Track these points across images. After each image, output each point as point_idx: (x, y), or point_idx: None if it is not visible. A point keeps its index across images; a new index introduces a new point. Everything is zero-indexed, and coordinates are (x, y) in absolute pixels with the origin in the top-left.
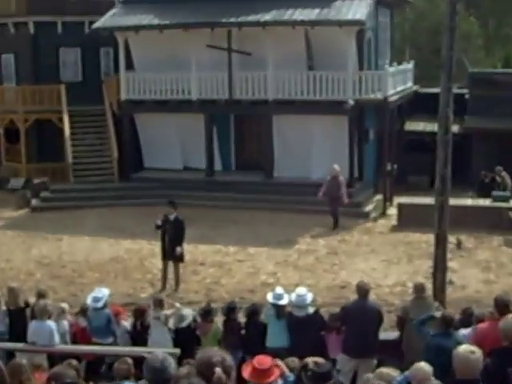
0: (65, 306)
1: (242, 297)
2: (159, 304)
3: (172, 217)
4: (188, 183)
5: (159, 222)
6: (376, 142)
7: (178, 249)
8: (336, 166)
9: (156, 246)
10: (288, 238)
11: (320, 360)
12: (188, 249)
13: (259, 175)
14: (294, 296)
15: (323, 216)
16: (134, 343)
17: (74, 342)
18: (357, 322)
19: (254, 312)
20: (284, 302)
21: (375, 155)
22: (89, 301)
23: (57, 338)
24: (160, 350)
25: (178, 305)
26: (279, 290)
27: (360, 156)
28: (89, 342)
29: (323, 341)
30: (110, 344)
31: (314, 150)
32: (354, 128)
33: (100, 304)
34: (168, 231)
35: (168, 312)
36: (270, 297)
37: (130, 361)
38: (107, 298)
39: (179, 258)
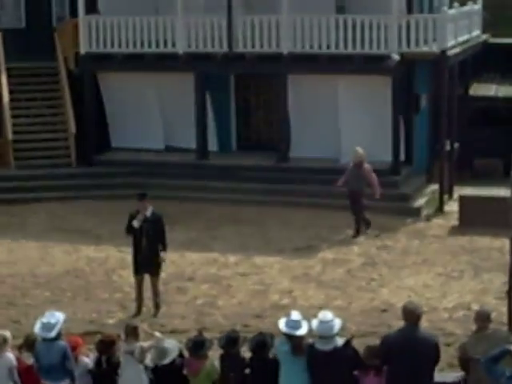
0: (8, 334)
1: (246, 324)
2: (133, 333)
3: (148, 213)
4: (172, 169)
5: (136, 223)
6: (430, 113)
7: (163, 255)
8: (360, 150)
9: (128, 254)
10: (308, 243)
11: None
12: (171, 258)
13: (269, 158)
14: (316, 323)
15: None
16: None
17: None
18: (404, 359)
19: (261, 345)
20: (302, 331)
21: (429, 130)
22: (37, 329)
23: None
24: None
25: (157, 334)
26: (296, 315)
27: (408, 132)
28: None
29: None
30: None
31: (344, 124)
32: (399, 93)
33: (52, 333)
34: (145, 233)
35: (145, 344)
36: (283, 325)
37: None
38: (62, 325)
39: (159, 270)
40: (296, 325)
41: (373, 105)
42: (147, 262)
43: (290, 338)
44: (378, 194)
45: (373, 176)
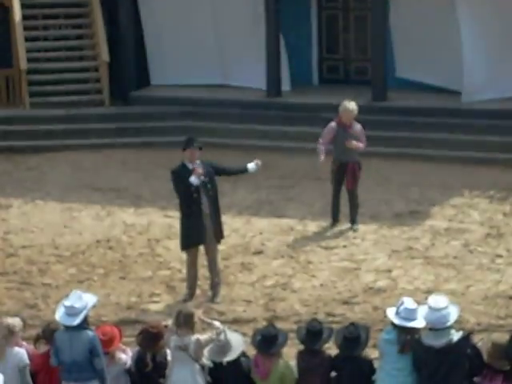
0: (16, 322)
1: (331, 312)
2: (187, 323)
3: (197, 165)
4: (233, 109)
5: (195, 180)
6: None
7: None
8: (350, 103)
9: (177, 220)
10: (412, 207)
11: None
12: (234, 225)
13: (362, 95)
14: (425, 311)
15: (479, 167)
16: None
17: None
18: None
19: (353, 340)
20: (420, 323)
21: None
22: (58, 314)
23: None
24: None
25: (217, 324)
26: (410, 302)
27: None
28: None
29: None
30: None
31: (465, 44)
32: None
33: (77, 320)
34: (204, 191)
35: (202, 337)
36: (392, 313)
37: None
38: (90, 310)
39: (221, 234)
40: (411, 315)
41: (503, 19)
42: (213, 226)
43: (402, 330)
44: (356, 144)
45: (364, 139)
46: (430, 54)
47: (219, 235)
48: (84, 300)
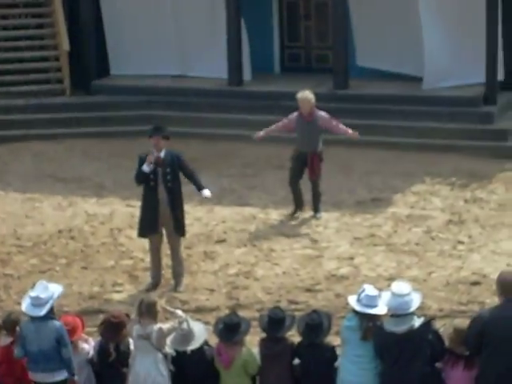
0: None
1: (293, 300)
2: (149, 312)
3: (162, 154)
4: (195, 98)
5: (147, 167)
6: None
7: (206, 192)
8: (306, 92)
9: (139, 210)
10: (375, 194)
11: None
12: (196, 214)
13: (325, 83)
14: (387, 297)
15: (440, 154)
16: (101, 381)
17: None
18: (503, 346)
19: (315, 327)
20: (381, 310)
21: None
22: (24, 305)
23: None
24: None
25: (180, 313)
26: (371, 289)
27: (509, 43)
28: (19, 380)
29: (439, 378)
30: (62, 382)
31: (425, 31)
32: None
33: (44, 311)
34: (161, 180)
35: (164, 326)
36: (353, 300)
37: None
38: (56, 300)
39: (183, 228)
40: (372, 301)
41: (463, 6)
42: (172, 218)
43: (363, 317)
44: (353, 133)
45: (335, 122)
46: (391, 42)
47: (179, 230)
48: (50, 290)
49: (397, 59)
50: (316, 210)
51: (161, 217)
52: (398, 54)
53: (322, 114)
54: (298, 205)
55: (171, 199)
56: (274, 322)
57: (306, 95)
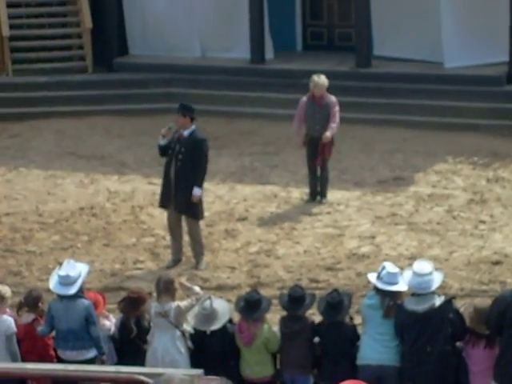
0: (4, 289)
1: (314, 278)
2: (167, 289)
3: (186, 133)
4: (215, 75)
5: (162, 140)
6: None
7: (196, 191)
8: (319, 78)
9: (159, 187)
10: (396, 173)
11: None
12: (218, 192)
13: (347, 61)
14: (409, 276)
15: (462, 133)
16: (122, 357)
17: None
18: None
19: (336, 306)
20: (402, 287)
21: None
22: (52, 284)
23: None
24: (170, 370)
25: (197, 289)
26: (391, 266)
27: None
28: (42, 357)
29: (460, 358)
30: (91, 361)
31: (446, 15)
32: None
33: (73, 289)
34: (175, 159)
35: (182, 304)
36: (374, 277)
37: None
38: (84, 278)
39: (195, 211)
40: (393, 279)
41: None
42: (175, 198)
43: (384, 294)
44: (329, 137)
45: (336, 112)
46: (408, 30)
47: (188, 211)
48: (78, 269)
49: (415, 46)
50: (323, 194)
51: (171, 193)
52: (416, 41)
53: (333, 98)
54: (314, 193)
55: (178, 178)
56: (294, 301)
57: (322, 79)
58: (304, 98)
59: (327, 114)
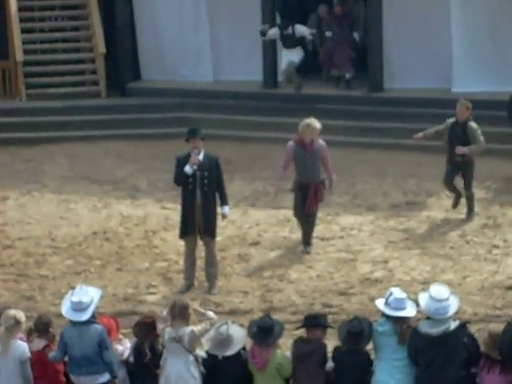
0: (19, 314)
1: (327, 303)
2: (182, 314)
3: (200, 157)
4: (228, 100)
5: (189, 169)
6: None
7: (227, 210)
8: (311, 121)
9: (173, 212)
10: (409, 198)
11: None
12: (230, 216)
13: (358, 87)
14: (426, 299)
15: (478, 157)
16: (135, 381)
17: None
18: None
19: (357, 334)
20: (410, 312)
21: None
22: (65, 310)
23: None
24: None
25: (211, 314)
26: (398, 292)
27: None
28: (55, 382)
29: (474, 383)
30: None
31: (456, 41)
32: None
33: (86, 316)
34: (199, 183)
35: (196, 329)
36: (381, 304)
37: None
38: (96, 303)
39: (216, 232)
40: (401, 304)
41: (496, 15)
42: (203, 221)
43: (396, 321)
44: (335, 182)
45: (329, 157)
46: (419, 61)
47: (211, 232)
48: (90, 294)
49: (425, 76)
50: (308, 242)
51: (197, 220)
52: (426, 71)
53: (322, 142)
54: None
55: (205, 203)
56: (310, 324)
57: (314, 123)
58: (291, 143)
59: (318, 158)
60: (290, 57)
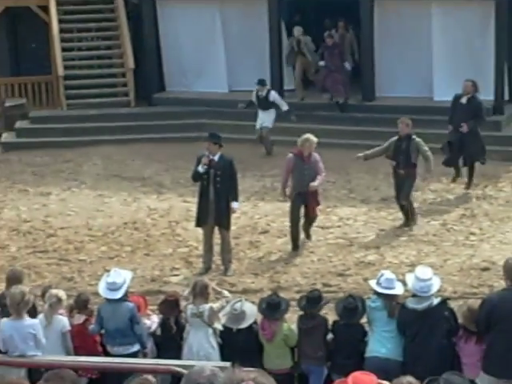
0: (61, 292)
1: (327, 283)
2: (202, 293)
3: (216, 158)
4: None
5: (201, 168)
6: None
7: (235, 205)
8: (310, 136)
9: (194, 205)
10: None
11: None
12: (243, 208)
13: (353, 97)
14: (412, 279)
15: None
16: (161, 352)
17: None
18: (508, 325)
19: (351, 310)
20: (398, 291)
21: None
22: (101, 289)
23: (43, 343)
24: (202, 363)
25: (226, 293)
26: (389, 273)
27: None
28: (91, 352)
29: (454, 351)
30: (135, 354)
31: (437, 54)
32: (503, 22)
33: (119, 294)
34: (212, 181)
35: (214, 305)
36: (374, 284)
37: (153, 380)
38: (128, 284)
39: (229, 223)
40: (391, 284)
41: (472, 35)
42: (215, 213)
43: (386, 298)
44: (317, 186)
45: (322, 167)
46: (406, 74)
47: (224, 224)
48: (123, 276)
49: (410, 87)
50: (308, 236)
51: (210, 212)
52: (411, 83)
53: (317, 155)
54: (295, 246)
55: (217, 198)
56: (312, 301)
57: (312, 138)
58: (291, 155)
59: (314, 169)
60: (263, 120)
